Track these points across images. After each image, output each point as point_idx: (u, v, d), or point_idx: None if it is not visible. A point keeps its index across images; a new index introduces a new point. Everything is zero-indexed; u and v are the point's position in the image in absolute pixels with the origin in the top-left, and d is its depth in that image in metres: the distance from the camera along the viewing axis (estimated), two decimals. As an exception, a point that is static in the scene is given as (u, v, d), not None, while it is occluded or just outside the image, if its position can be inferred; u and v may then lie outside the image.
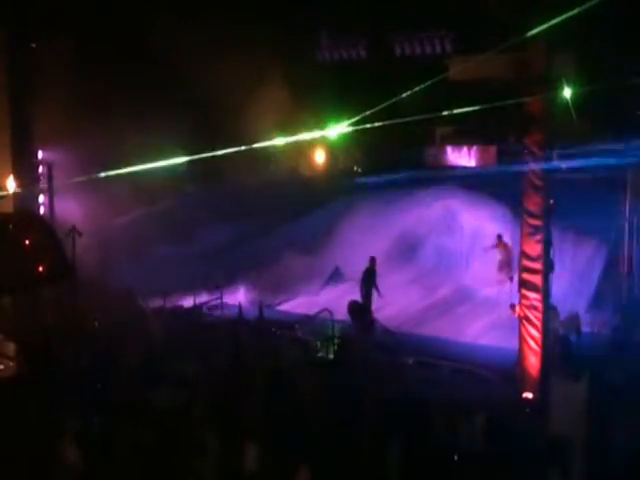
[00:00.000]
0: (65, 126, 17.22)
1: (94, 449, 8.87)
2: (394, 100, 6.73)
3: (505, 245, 18.36)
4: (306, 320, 15.91)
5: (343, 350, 14.27)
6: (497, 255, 18.47)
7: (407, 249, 20.55)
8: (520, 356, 12.03)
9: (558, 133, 12.25)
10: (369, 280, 16.52)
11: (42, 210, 18.26)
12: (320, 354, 14.42)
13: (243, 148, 6.60)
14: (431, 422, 9.89)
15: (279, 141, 6.88)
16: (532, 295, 11.82)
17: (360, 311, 16.16)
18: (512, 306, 12.64)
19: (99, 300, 15.20)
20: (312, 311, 16.20)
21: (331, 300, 17.82)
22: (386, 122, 6.94)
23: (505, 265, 18.19)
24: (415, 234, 20.61)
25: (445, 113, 8.53)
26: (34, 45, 17.05)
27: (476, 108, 7.40)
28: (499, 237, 18.46)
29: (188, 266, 19.90)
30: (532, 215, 11.75)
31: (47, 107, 16.95)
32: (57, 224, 17.97)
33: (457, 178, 19.66)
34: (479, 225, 19.64)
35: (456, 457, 9.28)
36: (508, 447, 9.46)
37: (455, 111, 8.38)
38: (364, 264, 16.81)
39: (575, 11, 6.19)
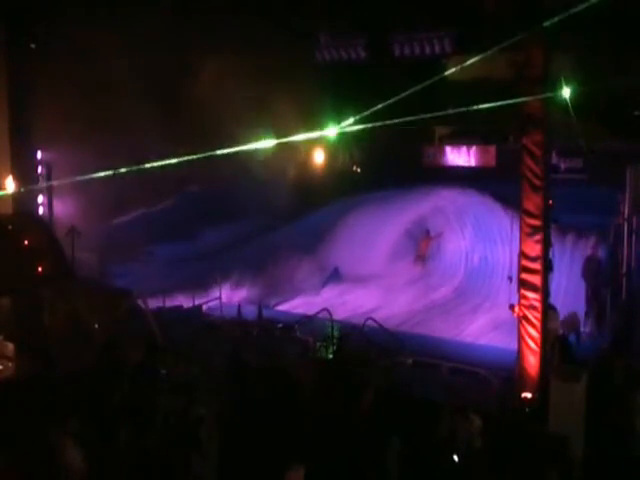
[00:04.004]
0: (64, 126, 17.21)
1: (94, 449, 8.86)
2: (393, 100, 6.74)
3: (429, 240, 19.72)
4: (305, 320, 15.91)
5: (342, 350, 14.24)
6: (419, 249, 19.90)
7: (407, 249, 20.57)
8: (519, 356, 12.02)
9: (557, 133, 12.26)
10: None
11: (41, 210, 18.24)
12: (319, 354, 14.40)
13: (243, 148, 6.60)
14: (431, 422, 9.88)
15: (279, 141, 6.87)
16: (531, 295, 11.81)
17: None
18: (511, 306, 12.61)
19: (98, 300, 15.17)
20: (311, 311, 16.20)
21: (330, 300, 17.83)
22: (385, 122, 6.94)
23: (419, 258, 19.81)
24: (415, 234, 20.63)
25: (443, 113, 8.54)
26: (33, 45, 17.04)
27: (475, 108, 7.41)
28: (427, 232, 19.85)
29: (188, 266, 19.92)
30: (531, 215, 11.74)
31: (47, 107, 16.94)
32: (56, 224, 17.97)
33: (457, 178, 19.70)
34: (478, 225, 19.66)
35: (456, 457, 9.27)
36: (507, 447, 9.46)
37: (454, 111, 8.39)
38: (363, 264, 16.82)
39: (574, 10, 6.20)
